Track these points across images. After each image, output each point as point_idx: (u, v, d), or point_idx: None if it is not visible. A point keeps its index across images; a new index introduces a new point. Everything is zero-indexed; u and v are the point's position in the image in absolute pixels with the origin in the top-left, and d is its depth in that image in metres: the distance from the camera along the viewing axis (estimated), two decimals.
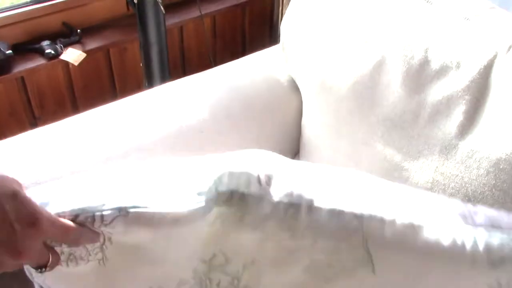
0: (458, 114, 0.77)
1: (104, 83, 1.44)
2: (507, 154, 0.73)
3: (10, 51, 1.23)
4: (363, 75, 0.87)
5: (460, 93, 0.77)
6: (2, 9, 1.29)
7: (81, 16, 1.37)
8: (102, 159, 0.93)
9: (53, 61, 1.26)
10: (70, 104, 1.41)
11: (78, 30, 1.32)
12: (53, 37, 1.31)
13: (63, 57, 1.24)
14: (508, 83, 0.76)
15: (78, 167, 0.93)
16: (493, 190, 0.76)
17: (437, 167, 0.81)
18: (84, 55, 1.25)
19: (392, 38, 0.85)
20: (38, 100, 1.35)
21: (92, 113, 0.99)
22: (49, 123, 1.36)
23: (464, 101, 0.77)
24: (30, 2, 1.31)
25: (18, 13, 1.29)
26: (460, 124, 0.76)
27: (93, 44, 1.33)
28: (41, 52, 1.27)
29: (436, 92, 0.79)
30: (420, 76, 0.83)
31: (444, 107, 0.79)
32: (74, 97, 1.40)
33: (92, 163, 0.93)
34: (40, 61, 1.26)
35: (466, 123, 0.76)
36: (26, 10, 1.30)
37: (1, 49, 1.21)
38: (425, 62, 0.82)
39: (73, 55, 1.25)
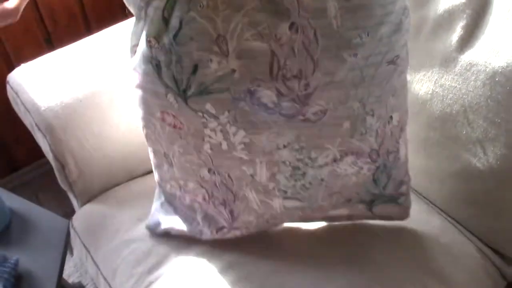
0: (458, 28, 0.79)
1: None
2: (503, 67, 0.77)
3: None
4: None
5: (461, 7, 0.79)
6: None
7: None
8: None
9: None
10: (81, 17, 1.45)
11: None
12: None
13: None
14: None
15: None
16: (488, 101, 0.81)
17: (436, 79, 0.85)
18: None
19: None
20: (51, 16, 1.39)
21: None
22: (62, 36, 1.44)
23: (465, 15, 0.79)
24: None
25: None
26: (460, 37, 0.79)
27: None
28: None
29: (438, 6, 0.80)
30: None
31: (445, 21, 0.81)
32: (84, 9, 1.45)
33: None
34: None
35: (466, 37, 0.79)
36: None
37: None
38: None
39: None
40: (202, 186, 0.90)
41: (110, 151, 1.08)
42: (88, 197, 1.11)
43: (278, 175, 0.83)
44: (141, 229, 0.99)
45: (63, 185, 1.11)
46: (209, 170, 0.87)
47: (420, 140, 0.94)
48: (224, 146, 0.82)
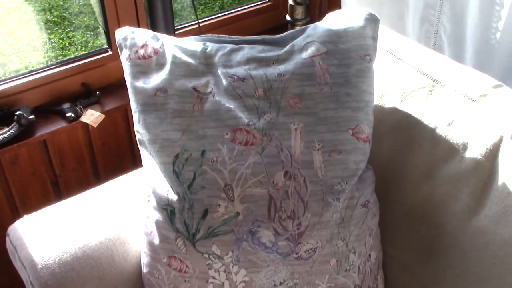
0: (466, 197, 0.85)
1: (121, 140, 1.55)
2: None
3: (32, 116, 1.32)
4: None
5: (467, 176, 0.86)
6: (23, 74, 1.40)
7: (100, 76, 1.50)
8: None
9: (73, 123, 1.38)
10: (89, 161, 1.51)
11: (97, 92, 1.45)
12: (73, 98, 1.43)
13: (83, 119, 1.41)
14: None
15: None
16: None
17: None
18: (102, 116, 1.40)
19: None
20: (59, 160, 1.44)
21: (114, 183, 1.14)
22: (70, 180, 1.48)
23: (471, 184, 0.85)
24: (51, 65, 1.43)
25: (39, 77, 1.40)
26: (467, 206, 0.85)
27: (111, 104, 1.46)
28: (62, 115, 1.38)
29: (445, 174, 0.89)
30: (432, 156, 0.94)
31: (453, 189, 0.89)
32: (93, 154, 1.50)
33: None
34: (61, 124, 1.37)
35: (474, 205, 0.84)
36: (47, 74, 1.41)
37: (24, 114, 1.30)
38: (434, 143, 0.93)
39: (92, 117, 1.41)
40: None
41: None
42: None
43: None
44: None
45: None
46: None
47: None
48: (226, 286, 0.91)
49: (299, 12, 1.60)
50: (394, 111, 1.01)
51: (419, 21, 1.28)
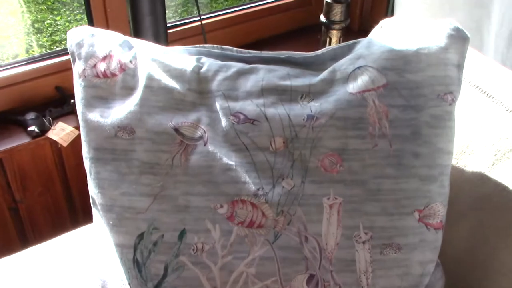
0: None
1: None
2: None
3: None
4: None
5: None
6: None
7: None
8: None
9: (38, 139, 1.12)
10: (60, 184, 1.25)
11: (72, 101, 1.18)
12: (43, 106, 1.17)
13: (50, 135, 1.11)
14: None
15: None
16: None
17: None
18: (76, 133, 1.11)
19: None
20: (20, 183, 1.19)
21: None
22: (34, 206, 1.21)
23: None
24: (19, 62, 1.17)
25: (2, 77, 1.14)
26: None
27: None
28: (25, 127, 1.12)
29: None
30: None
31: None
32: (66, 176, 1.25)
33: None
34: (22, 139, 1.12)
35: None
36: (13, 74, 1.15)
37: None
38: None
39: (62, 132, 1.11)
40: None
41: None
42: None
43: None
44: None
45: None
46: None
47: None
48: None
49: (338, 12, 1.26)
50: (481, 179, 0.67)
51: (509, 37, 0.92)
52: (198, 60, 0.64)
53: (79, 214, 1.31)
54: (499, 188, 0.65)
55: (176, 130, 0.60)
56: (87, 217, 1.29)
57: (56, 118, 1.15)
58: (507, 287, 0.63)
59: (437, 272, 0.63)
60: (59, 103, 1.18)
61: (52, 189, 1.23)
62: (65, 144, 1.10)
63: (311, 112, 0.60)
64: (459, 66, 0.63)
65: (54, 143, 1.16)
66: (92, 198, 0.63)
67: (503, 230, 0.64)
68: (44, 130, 1.12)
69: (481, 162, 0.68)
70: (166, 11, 1.07)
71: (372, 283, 0.57)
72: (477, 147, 0.69)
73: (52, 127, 1.12)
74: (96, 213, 0.63)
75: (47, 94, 1.19)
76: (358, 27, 1.53)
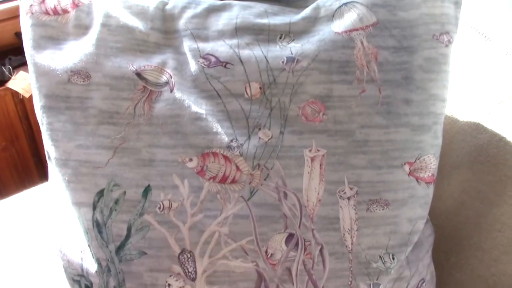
0: None
1: None
2: None
3: None
4: None
5: None
6: None
7: None
8: None
9: None
10: (25, 138, 1.18)
11: None
12: (2, 53, 1.09)
13: (10, 85, 1.03)
14: None
15: None
16: None
17: None
18: None
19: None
20: None
21: None
22: None
23: None
24: None
25: None
26: None
27: None
28: None
29: None
30: None
31: None
32: (31, 130, 1.17)
33: None
34: None
35: None
36: None
37: None
38: None
39: (24, 82, 1.03)
40: None
41: None
42: None
43: None
44: None
45: None
46: None
47: None
48: None
49: None
50: (476, 129, 0.62)
51: None
52: None
53: (47, 169, 1.25)
54: (496, 138, 0.60)
55: (138, 74, 0.53)
56: None
57: (17, 67, 1.08)
58: (502, 243, 0.59)
59: (427, 229, 0.59)
60: (20, 51, 1.10)
61: (17, 143, 1.17)
62: (27, 95, 1.03)
63: (291, 54, 0.53)
64: (457, 3, 0.57)
65: (15, 93, 1.09)
66: (47, 152, 0.57)
67: (499, 184, 0.59)
68: (4, 80, 1.05)
69: (477, 110, 0.62)
70: None
71: (357, 242, 0.52)
72: (473, 94, 0.63)
73: (13, 77, 1.05)
74: (51, 168, 0.57)
75: (6, 41, 1.10)
76: None
